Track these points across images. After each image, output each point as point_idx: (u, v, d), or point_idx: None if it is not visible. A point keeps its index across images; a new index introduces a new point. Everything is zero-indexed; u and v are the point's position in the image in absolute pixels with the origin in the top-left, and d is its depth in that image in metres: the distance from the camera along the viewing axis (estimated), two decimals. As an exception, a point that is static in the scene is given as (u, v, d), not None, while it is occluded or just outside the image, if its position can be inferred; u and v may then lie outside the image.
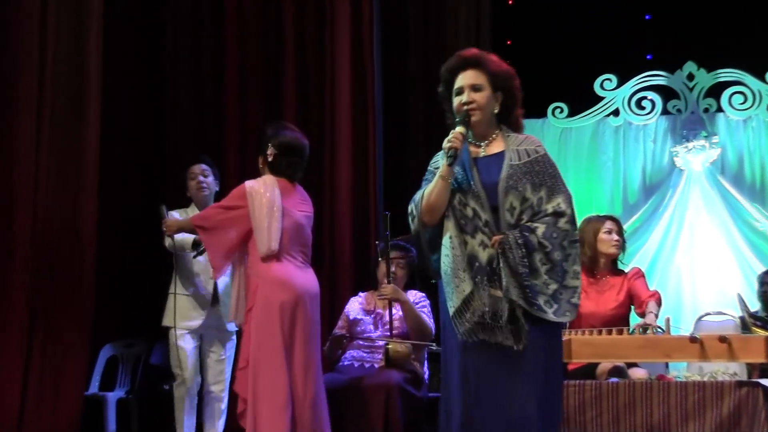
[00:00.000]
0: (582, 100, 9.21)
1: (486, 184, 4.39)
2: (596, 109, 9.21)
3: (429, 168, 4.57)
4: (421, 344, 6.57)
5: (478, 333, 4.29)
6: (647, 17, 9.48)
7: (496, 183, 4.37)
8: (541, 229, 4.32)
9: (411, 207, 4.51)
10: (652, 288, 6.70)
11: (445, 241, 4.39)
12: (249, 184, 5.96)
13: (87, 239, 7.36)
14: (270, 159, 6.02)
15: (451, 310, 4.34)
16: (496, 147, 4.50)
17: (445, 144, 4.37)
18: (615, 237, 6.59)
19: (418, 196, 4.48)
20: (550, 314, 4.29)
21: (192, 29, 8.75)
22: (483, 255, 4.33)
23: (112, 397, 8.05)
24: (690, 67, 9.07)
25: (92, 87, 7.44)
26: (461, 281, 4.33)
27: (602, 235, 6.60)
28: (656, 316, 6.14)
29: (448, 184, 4.38)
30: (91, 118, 7.44)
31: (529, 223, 4.34)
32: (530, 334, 4.27)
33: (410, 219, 4.51)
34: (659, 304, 6.35)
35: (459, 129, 4.40)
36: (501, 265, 4.28)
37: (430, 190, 4.41)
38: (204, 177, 7.04)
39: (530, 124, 8.75)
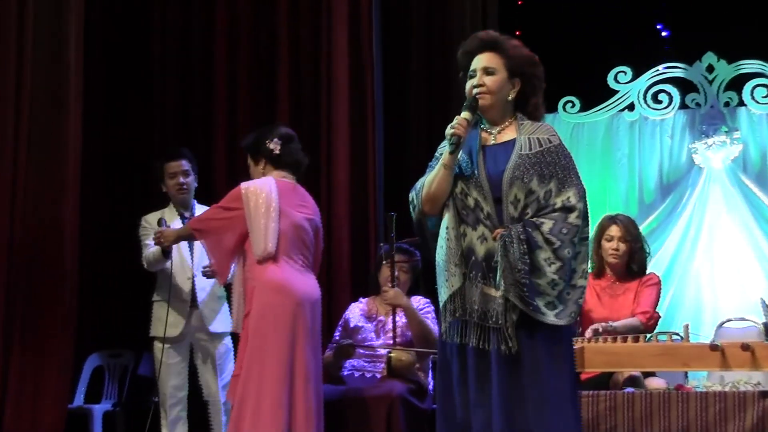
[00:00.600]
0: (595, 94, 9.09)
1: (490, 174, 4.27)
2: (610, 103, 9.05)
3: (435, 154, 4.47)
4: (425, 352, 6.42)
5: (461, 333, 4.19)
6: (664, 5, 9.38)
7: (502, 173, 4.25)
8: (548, 224, 4.19)
9: (412, 195, 4.44)
10: (669, 295, 6.44)
11: (442, 231, 4.31)
12: (245, 185, 5.83)
13: (69, 237, 7.23)
14: (277, 152, 5.91)
15: (441, 304, 4.27)
16: (508, 135, 4.39)
17: (448, 130, 4.26)
18: (614, 245, 6.41)
19: (419, 183, 4.41)
20: (551, 317, 4.15)
21: (181, 27, 8.69)
22: (480, 249, 4.21)
23: (98, 409, 7.98)
24: (709, 58, 8.90)
25: (72, 83, 7.32)
26: (451, 275, 4.23)
27: (603, 242, 6.46)
28: (615, 329, 5.92)
29: (450, 172, 4.28)
30: (72, 115, 7.31)
31: (534, 219, 4.20)
32: (529, 338, 4.14)
33: (411, 208, 4.44)
34: (648, 323, 6.17)
35: (464, 114, 4.30)
36: (499, 260, 4.13)
37: (431, 179, 4.32)
38: (185, 178, 6.88)
39: (540, 119, 8.66)
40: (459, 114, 4.34)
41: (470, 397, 4.17)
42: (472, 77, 4.38)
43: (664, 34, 9.33)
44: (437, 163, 4.35)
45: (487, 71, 4.36)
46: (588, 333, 5.83)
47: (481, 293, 4.15)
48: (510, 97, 4.39)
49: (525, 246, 4.12)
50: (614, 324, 5.96)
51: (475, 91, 4.34)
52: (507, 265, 4.11)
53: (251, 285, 5.71)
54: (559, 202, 4.22)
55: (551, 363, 4.16)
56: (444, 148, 4.36)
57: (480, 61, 4.39)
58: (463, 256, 4.22)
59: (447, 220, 4.27)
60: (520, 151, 4.27)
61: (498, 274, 4.13)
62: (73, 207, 7.28)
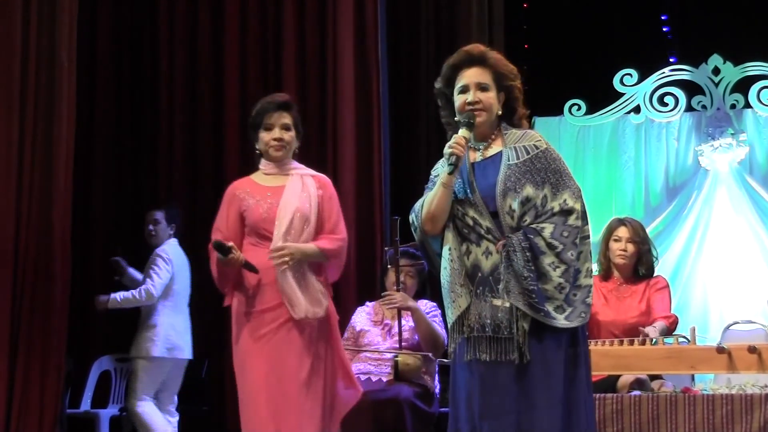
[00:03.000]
0: (601, 97, 9.10)
1: (483, 190, 4.25)
2: (616, 106, 9.07)
3: (431, 177, 4.44)
4: (431, 357, 6.36)
5: (474, 350, 4.15)
6: (667, 13, 9.44)
7: (493, 187, 4.22)
8: (548, 229, 4.16)
9: (412, 217, 4.40)
10: (676, 298, 6.42)
11: (444, 252, 4.29)
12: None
13: (59, 242, 7.10)
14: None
15: (449, 325, 4.24)
16: (494, 148, 4.36)
17: (446, 150, 4.22)
18: (623, 245, 6.37)
19: (418, 205, 4.37)
20: (561, 320, 4.12)
21: (189, 29, 8.68)
22: (486, 264, 4.20)
23: (105, 414, 7.94)
24: (715, 60, 8.91)
25: (64, 85, 7.20)
26: (458, 296, 4.21)
27: (611, 243, 6.42)
28: (654, 332, 5.88)
29: (449, 191, 4.25)
30: (65, 119, 7.20)
31: (534, 225, 4.18)
32: (545, 345, 4.13)
33: (412, 229, 4.41)
34: (672, 328, 6.11)
35: (462, 133, 4.25)
36: (504, 269, 4.12)
37: (430, 199, 4.29)
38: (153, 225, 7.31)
39: (546, 123, 8.78)
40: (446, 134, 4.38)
41: (475, 410, 4.14)
42: (463, 92, 4.34)
43: (670, 37, 9.37)
44: (434, 186, 4.33)
45: (481, 87, 4.32)
46: (646, 334, 5.77)
47: (490, 306, 4.14)
48: (499, 112, 4.37)
49: (529, 253, 4.11)
50: (657, 327, 5.91)
51: (470, 108, 4.30)
52: (512, 275, 4.10)
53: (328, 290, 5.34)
54: (556, 206, 4.20)
55: (562, 368, 4.15)
56: (437, 170, 4.37)
57: (472, 76, 4.35)
58: (468, 274, 4.21)
59: (448, 241, 4.26)
60: (508, 161, 4.24)
61: (502, 285, 4.12)
62: (65, 212, 7.17)
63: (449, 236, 4.25)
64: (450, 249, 4.24)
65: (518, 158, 4.24)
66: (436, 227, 4.28)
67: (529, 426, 4.07)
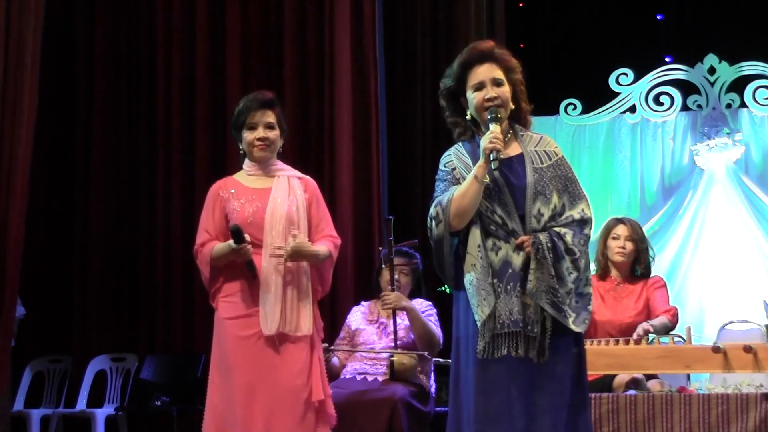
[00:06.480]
0: (596, 96, 9.14)
1: (513, 189, 4.23)
2: (612, 105, 9.11)
3: (442, 168, 4.39)
4: (427, 357, 6.32)
5: (502, 347, 4.13)
6: (663, 12, 9.44)
7: (524, 188, 4.22)
8: (569, 235, 4.20)
9: (436, 210, 4.27)
10: (672, 298, 6.46)
11: (472, 249, 4.22)
12: None
13: (13, 242, 7.04)
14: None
15: (479, 323, 4.15)
16: (512, 148, 4.33)
17: (487, 145, 4.14)
18: (621, 243, 6.38)
19: (445, 198, 4.26)
20: (570, 323, 4.16)
21: (187, 29, 8.67)
22: (517, 260, 4.17)
23: (101, 414, 7.93)
24: (711, 60, 8.95)
25: (26, 86, 7.15)
26: (488, 294, 4.16)
27: (609, 241, 6.41)
28: (653, 327, 5.90)
29: (482, 186, 4.18)
30: (25, 122, 7.13)
31: (557, 229, 4.20)
32: (556, 346, 4.15)
33: (434, 223, 4.27)
34: (674, 320, 6.13)
35: (495, 128, 4.20)
36: (533, 267, 4.13)
37: (461, 193, 4.20)
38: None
39: (542, 122, 8.77)
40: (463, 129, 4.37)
41: (491, 410, 4.13)
42: (479, 89, 4.30)
43: (665, 36, 9.38)
44: (450, 177, 4.31)
45: (496, 82, 4.30)
46: (638, 333, 5.78)
47: (520, 303, 4.13)
48: (512, 106, 4.35)
49: (552, 254, 4.14)
50: (653, 323, 5.93)
51: (490, 104, 4.27)
52: (539, 274, 4.13)
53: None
54: (575, 213, 4.24)
55: (570, 371, 4.19)
56: (451, 163, 4.32)
57: (486, 72, 4.32)
58: (495, 271, 4.18)
59: (475, 238, 4.22)
60: (533, 164, 4.26)
61: (531, 282, 4.13)
62: (20, 213, 7.10)
63: (476, 232, 4.21)
64: (479, 246, 4.19)
65: (542, 163, 4.27)
66: (463, 222, 4.22)
67: (544, 427, 4.09)
